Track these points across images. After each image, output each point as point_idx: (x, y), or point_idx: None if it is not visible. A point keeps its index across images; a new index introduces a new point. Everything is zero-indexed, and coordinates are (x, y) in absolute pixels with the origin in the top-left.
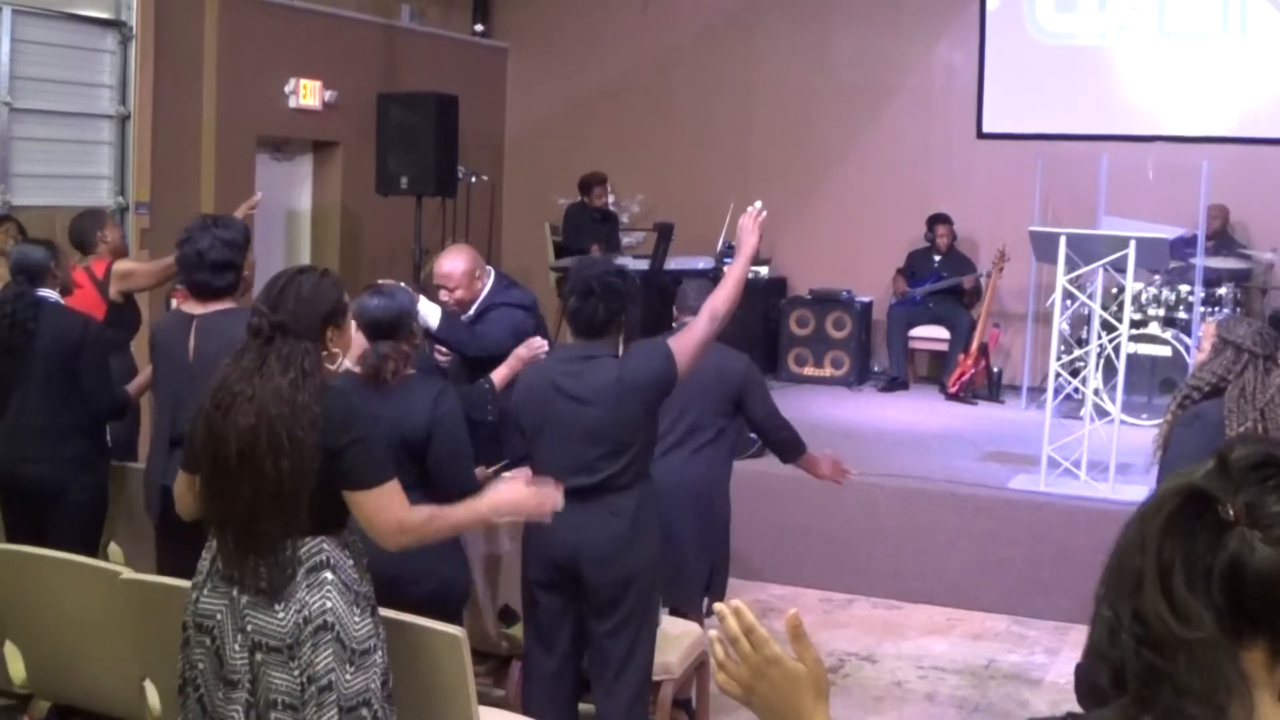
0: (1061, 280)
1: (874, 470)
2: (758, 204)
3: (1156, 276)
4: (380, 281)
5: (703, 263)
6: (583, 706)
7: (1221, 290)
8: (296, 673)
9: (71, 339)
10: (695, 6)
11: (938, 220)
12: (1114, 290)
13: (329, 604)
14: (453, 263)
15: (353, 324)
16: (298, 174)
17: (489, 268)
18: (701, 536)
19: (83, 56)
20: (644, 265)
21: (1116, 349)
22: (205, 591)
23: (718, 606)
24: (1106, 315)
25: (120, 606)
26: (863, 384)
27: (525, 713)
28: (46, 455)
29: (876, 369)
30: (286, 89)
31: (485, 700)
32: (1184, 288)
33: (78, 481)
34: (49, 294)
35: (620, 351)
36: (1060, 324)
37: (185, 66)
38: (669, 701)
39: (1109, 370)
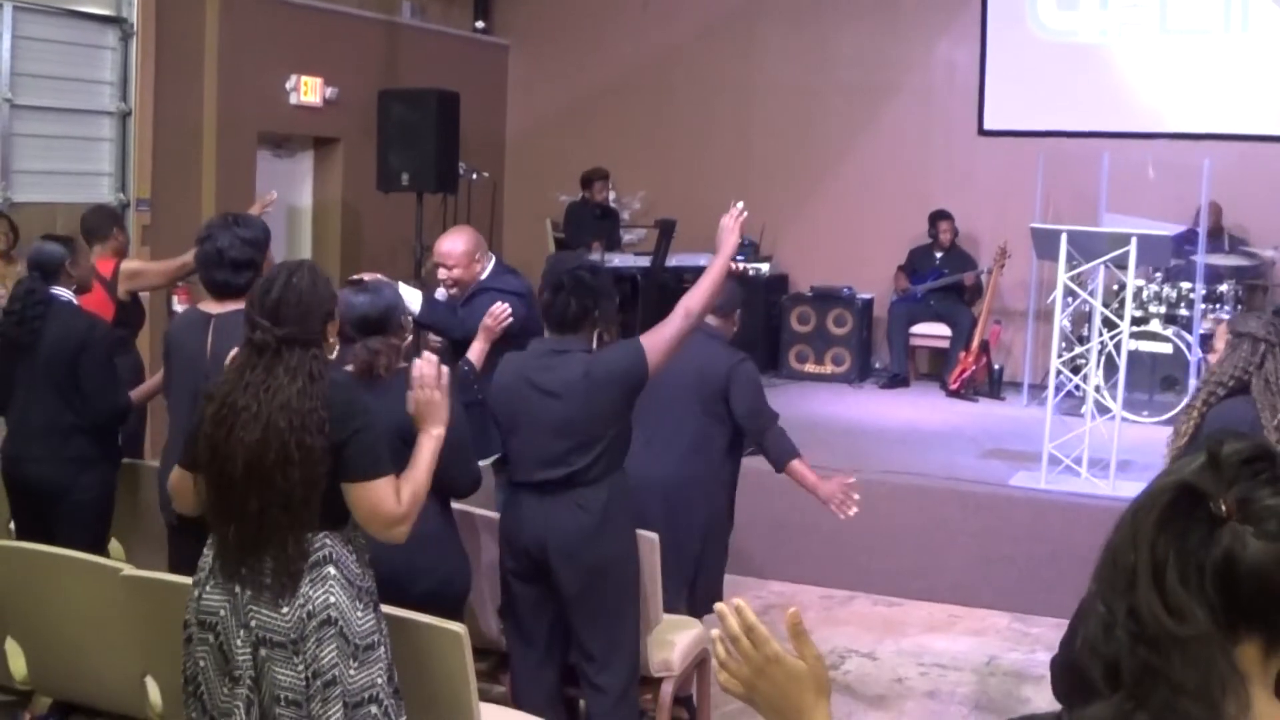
0: (1063, 277)
1: (875, 467)
2: (739, 204)
3: (1158, 273)
4: (359, 276)
5: (704, 260)
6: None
7: (1223, 288)
8: (301, 668)
9: (75, 340)
10: (696, 3)
11: (939, 217)
12: (1115, 287)
13: (332, 599)
14: (453, 242)
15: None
16: (299, 171)
17: (491, 254)
18: (671, 538)
19: (83, 53)
20: (645, 262)
21: (1118, 346)
22: (208, 588)
23: (718, 606)
24: (1108, 312)
25: (121, 603)
26: (864, 381)
27: (514, 705)
28: (49, 454)
29: (878, 366)
30: (287, 85)
31: (485, 697)
32: (1185, 285)
33: (80, 481)
34: (63, 292)
35: (594, 346)
36: (1061, 321)
37: (186, 63)
38: (669, 699)
39: (1110, 367)
